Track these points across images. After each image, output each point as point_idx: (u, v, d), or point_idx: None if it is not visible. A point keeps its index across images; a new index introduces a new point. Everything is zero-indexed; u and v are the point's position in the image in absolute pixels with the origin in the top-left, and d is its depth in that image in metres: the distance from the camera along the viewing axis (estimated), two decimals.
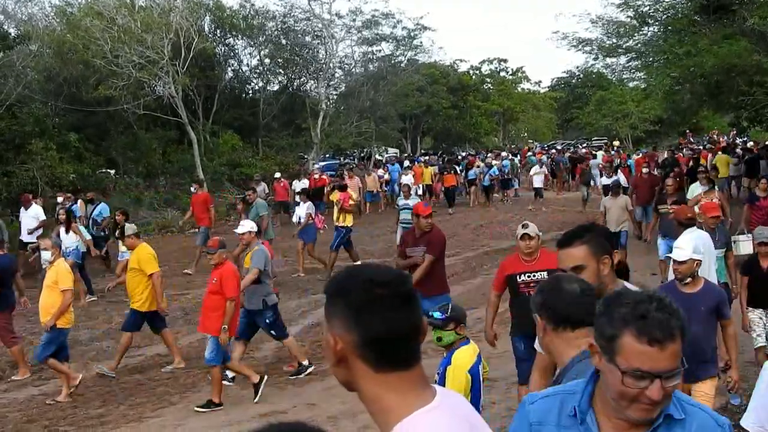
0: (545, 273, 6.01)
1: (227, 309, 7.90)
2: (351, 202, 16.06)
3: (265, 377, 8.30)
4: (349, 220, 15.64)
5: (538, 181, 27.01)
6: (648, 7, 19.25)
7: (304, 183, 22.85)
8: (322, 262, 15.41)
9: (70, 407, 8.23)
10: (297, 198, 17.15)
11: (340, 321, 1.63)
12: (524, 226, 6.55)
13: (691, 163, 23.15)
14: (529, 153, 40.26)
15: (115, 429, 7.62)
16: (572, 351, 2.59)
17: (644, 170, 17.39)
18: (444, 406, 1.64)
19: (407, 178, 24.75)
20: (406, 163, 30.47)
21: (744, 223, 12.01)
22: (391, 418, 1.60)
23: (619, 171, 22.16)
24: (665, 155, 27.61)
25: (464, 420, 1.69)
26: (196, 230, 23.05)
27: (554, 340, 2.64)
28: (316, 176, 23.91)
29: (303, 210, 15.63)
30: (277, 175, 24.48)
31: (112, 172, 27.35)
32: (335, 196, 16.21)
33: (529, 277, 6.47)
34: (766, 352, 7.25)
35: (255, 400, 8.05)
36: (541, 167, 27.73)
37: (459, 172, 28.41)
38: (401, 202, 15.85)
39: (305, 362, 8.93)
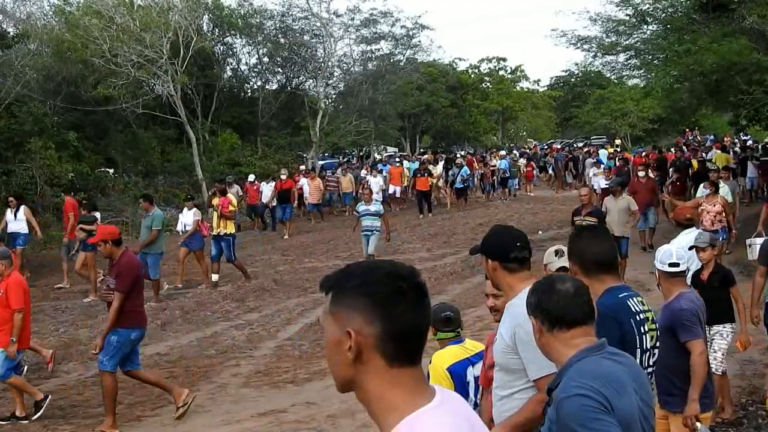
0: None
1: (15, 321, 7.54)
2: (231, 208, 14.84)
3: (49, 396, 7.97)
4: (230, 227, 14.57)
5: (600, 182, 22.44)
6: (647, 5, 19.23)
7: (271, 185, 22.17)
8: (205, 271, 14.63)
9: (69, 406, 8.22)
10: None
11: (360, 314, 1.64)
12: (558, 254, 4.65)
13: (692, 164, 22.58)
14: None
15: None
16: (570, 351, 2.58)
17: (641, 173, 16.27)
18: (445, 405, 1.66)
19: (375, 181, 23.77)
20: (379, 166, 28.23)
21: (762, 225, 11.14)
22: (394, 416, 1.62)
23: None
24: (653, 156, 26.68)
25: (464, 418, 1.70)
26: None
27: (550, 341, 2.64)
28: (283, 178, 22.22)
29: (189, 217, 14.63)
30: (251, 177, 23.53)
31: (111, 171, 27.37)
32: (215, 201, 15.02)
33: None
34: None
35: (34, 418, 7.77)
36: (599, 167, 24.14)
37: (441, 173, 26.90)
38: (361, 207, 14.65)
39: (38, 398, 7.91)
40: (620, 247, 11.59)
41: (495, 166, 29.21)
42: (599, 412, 2.39)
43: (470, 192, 29.54)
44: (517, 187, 29.90)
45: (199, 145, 28.32)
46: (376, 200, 16.18)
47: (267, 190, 22.42)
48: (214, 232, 14.42)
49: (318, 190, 24.33)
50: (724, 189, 12.93)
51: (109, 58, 24.98)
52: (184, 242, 14.58)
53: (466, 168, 25.92)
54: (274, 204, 22.21)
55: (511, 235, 3.57)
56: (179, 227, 15.65)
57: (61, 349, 10.45)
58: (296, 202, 23.03)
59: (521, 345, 3.22)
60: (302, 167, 26.45)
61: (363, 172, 27.17)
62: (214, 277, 14.48)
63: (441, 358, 4.46)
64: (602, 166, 23.98)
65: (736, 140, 34.52)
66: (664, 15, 19.42)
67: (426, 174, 24.53)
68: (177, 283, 14.64)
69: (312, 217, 24.69)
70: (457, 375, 4.37)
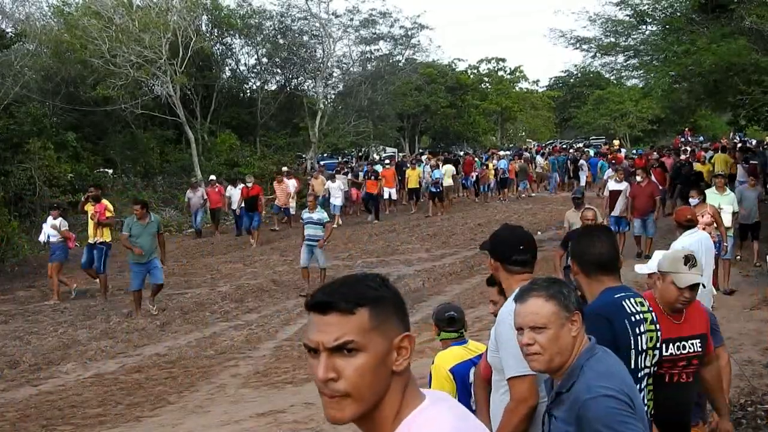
0: (697, 341, 3.80)
1: None
2: (108, 214, 13.98)
3: None
4: (107, 235, 13.77)
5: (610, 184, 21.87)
6: (646, 6, 19.24)
7: (237, 190, 21.07)
8: (65, 283, 14.05)
9: (68, 407, 8.21)
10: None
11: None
12: (689, 262, 3.71)
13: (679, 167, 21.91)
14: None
15: (112, 428, 7.59)
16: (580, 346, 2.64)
17: (639, 178, 15.02)
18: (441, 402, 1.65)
19: (334, 186, 22.98)
20: (358, 170, 26.84)
21: None
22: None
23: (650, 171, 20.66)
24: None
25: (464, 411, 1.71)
26: (192, 229, 23.01)
27: (579, 333, 2.67)
28: (249, 184, 20.72)
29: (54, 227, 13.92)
30: (212, 177, 22.58)
31: (110, 171, 27.36)
32: (90, 208, 14.07)
33: (679, 349, 3.76)
34: None
35: None
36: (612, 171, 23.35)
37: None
38: (305, 215, 13.59)
39: None
40: None
41: (495, 166, 29.13)
42: (626, 414, 2.40)
43: (467, 193, 29.57)
44: (527, 187, 29.74)
45: (198, 146, 28.32)
46: (334, 204, 15.00)
47: (235, 194, 21.32)
48: (91, 241, 13.81)
49: (284, 194, 22.38)
50: (729, 197, 11.76)
51: (108, 58, 24.99)
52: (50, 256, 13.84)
53: (438, 170, 25.21)
54: (242, 207, 20.85)
55: (517, 236, 3.51)
56: (42, 237, 14.59)
57: (60, 349, 10.45)
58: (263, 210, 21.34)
59: (499, 343, 3.23)
60: (284, 168, 25.01)
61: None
62: (102, 294, 13.86)
63: (444, 359, 4.43)
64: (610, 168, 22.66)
65: (735, 141, 34.53)
66: (663, 15, 19.44)
67: (374, 177, 24.13)
68: (54, 298, 13.69)
69: (276, 221, 22.94)
70: (460, 376, 4.33)
